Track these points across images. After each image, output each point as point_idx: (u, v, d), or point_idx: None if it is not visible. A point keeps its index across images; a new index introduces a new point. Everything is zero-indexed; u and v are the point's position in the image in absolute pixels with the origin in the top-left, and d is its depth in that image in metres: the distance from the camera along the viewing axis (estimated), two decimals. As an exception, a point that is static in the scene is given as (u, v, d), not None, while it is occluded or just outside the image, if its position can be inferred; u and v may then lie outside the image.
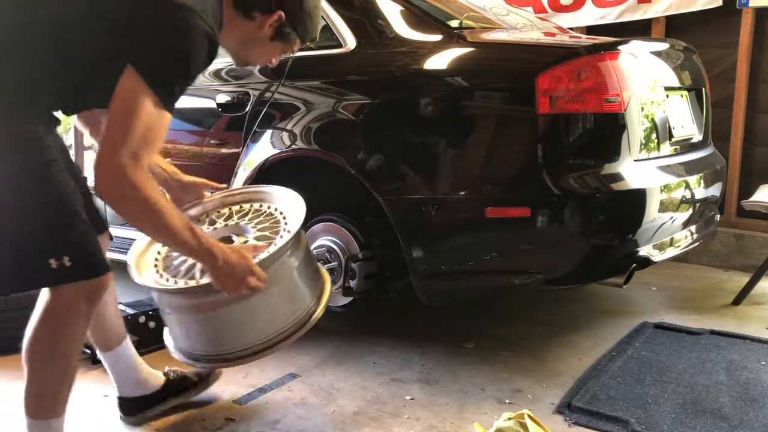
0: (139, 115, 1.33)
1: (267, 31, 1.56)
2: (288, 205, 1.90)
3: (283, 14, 1.54)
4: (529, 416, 1.66)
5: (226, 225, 1.90)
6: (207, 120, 2.64)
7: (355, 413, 1.95)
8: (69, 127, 2.85)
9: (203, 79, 2.73)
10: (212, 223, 1.91)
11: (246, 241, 1.80)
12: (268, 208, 1.94)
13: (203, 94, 2.69)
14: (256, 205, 1.97)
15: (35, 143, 1.40)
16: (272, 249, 1.68)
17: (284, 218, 1.87)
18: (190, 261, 1.69)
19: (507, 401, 2.01)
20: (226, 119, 2.56)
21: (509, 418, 1.67)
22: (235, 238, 1.86)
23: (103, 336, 1.82)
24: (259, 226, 1.86)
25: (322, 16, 2.45)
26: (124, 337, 1.88)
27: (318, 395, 2.07)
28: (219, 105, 2.57)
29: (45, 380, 1.51)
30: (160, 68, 1.36)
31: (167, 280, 1.69)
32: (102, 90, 1.41)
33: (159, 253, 1.82)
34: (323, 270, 1.98)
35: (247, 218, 1.93)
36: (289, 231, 1.76)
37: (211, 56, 1.44)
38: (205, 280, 1.60)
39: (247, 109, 2.49)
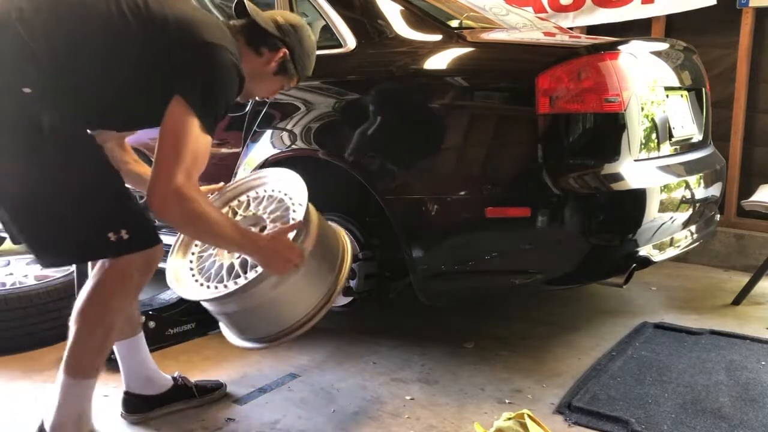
0: (188, 139, 1.49)
1: (272, 67, 1.76)
2: (284, 182, 1.98)
3: (287, 51, 1.76)
4: (529, 416, 1.66)
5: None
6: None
7: (355, 413, 1.95)
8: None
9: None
10: None
11: (264, 227, 1.88)
12: (264, 192, 2.00)
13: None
14: (252, 194, 2.02)
15: (90, 135, 1.59)
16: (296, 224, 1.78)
17: (287, 196, 1.94)
18: (225, 261, 1.83)
19: (507, 401, 2.01)
20: (226, 119, 2.56)
21: (509, 418, 1.68)
22: (253, 229, 1.91)
23: (123, 322, 1.82)
24: (268, 211, 1.93)
25: (322, 16, 2.47)
26: (140, 329, 1.92)
27: (318, 395, 2.07)
28: (219, 105, 2.57)
29: (89, 343, 1.61)
30: (204, 99, 1.52)
31: (215, 287, 1.80)
32: (126, 114, 1.65)
33: (191, 262, 1.92)
34: (340, 232, 2.04)
35: (251, 208, 1.98)
36: (301, 204, 1.85)
37: (240, 89, 1.63)
38: (252, 274, 1.74)
39: (247, 109, 2.49)
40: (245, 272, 1.77)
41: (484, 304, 2.89)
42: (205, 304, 1.86)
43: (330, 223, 2.06)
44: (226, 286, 1.78)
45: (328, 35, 2.47)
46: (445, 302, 2.53)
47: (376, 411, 1.96)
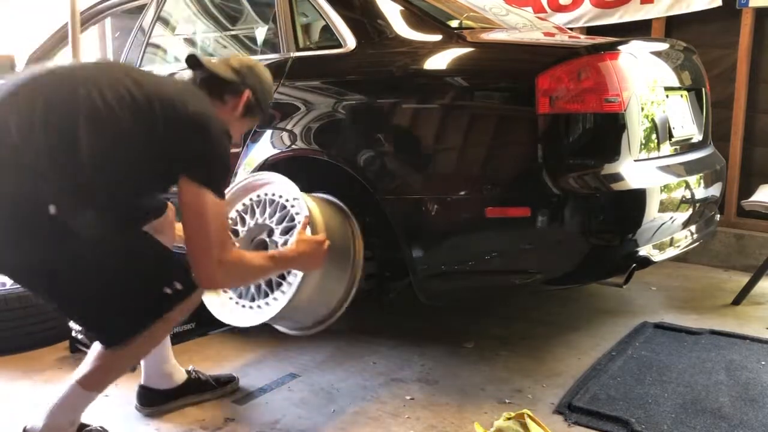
0: (209, 215, 1.57)
1: (239, 111, 1.84)
2: (267, 187, 2.07)
3: (251, 93, 1.84)
4: (529, 416, 1.67)
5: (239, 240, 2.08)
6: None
7: (355, 413, 1.95)
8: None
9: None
10: None
11: (272, 230, 2.01)
12: (250, 200, 2.08)
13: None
14: (240, 207, 2.09)
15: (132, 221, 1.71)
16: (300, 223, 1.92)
17: (275, 195, 2.03)
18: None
19: (507, 401, 2.01)
20: (226, 119, 2.56)
21: (509, 418, 1.68)
22: (266, 239, 2.04)
23: None
24: (266, 216, 2.02)
25: (322, 16, 2.47)
26: None
27: (318, 395, 2.07)
28: (219, 105, 2.57)
29: (116, 368, 1.70)
30: (208, 171, 1.59)
31: (266, 304, 1.94)
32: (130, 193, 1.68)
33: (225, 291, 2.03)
34: (336, 206, 2.16)
35: (247, 220, 2.05)
36: (296, 198, 1.98)
37: (230, 143, 1.69)
38: (292, 278, 1.90)
39: (247, 109, 2.49)
40: (284, 278, 1.91)
41: (484, 304, 2.89)
42: (267, 321, 1.97)
43: (319, 196, 2.14)
44: (275, 299, 1.93)
45: (328, 35, 2.47)
46: (445, 302, 2.53)
47: (376, 411, 1.96)
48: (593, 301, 2.95)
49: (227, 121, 1.79)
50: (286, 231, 1.98)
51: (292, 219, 1.99)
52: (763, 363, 2.23)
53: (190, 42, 3.40)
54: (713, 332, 2.51)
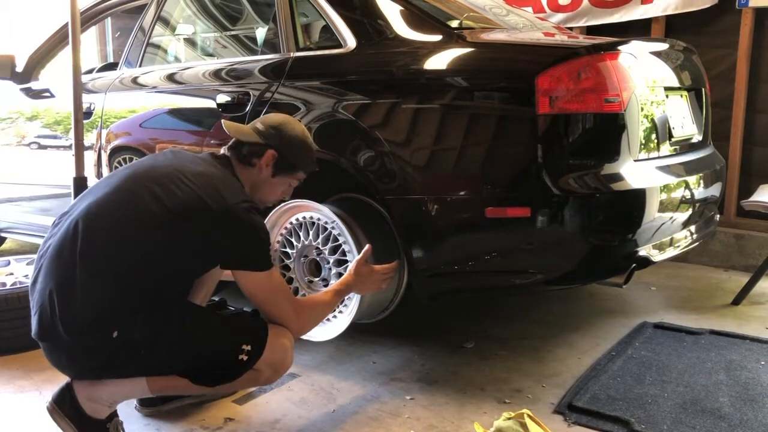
0: (271, 287, 1.75)
1: (268, 171, 1.89)
2: (306, 210, 2.24)
3: (275, 152, 1.87)
4: (529, 416, 1.67)
5: (289, 270, 2.31)
6: (207, 120, 2.64)
7: (355, 413, 1.95)
8: (69, 127, 2.85)
9: (203, 80, 2.74)
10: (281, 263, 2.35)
11: (318, 250, 2.24)
12: (291, 224, 2.29)
13: (203, 94, 2.69)
14: (284, 231, 2.31)
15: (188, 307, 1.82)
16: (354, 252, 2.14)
17: (317, 219, 2.21)
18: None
19: (507, 401, 2.01)
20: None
21: (509, 418, 1.68)
22: (317, 258, 2.27)
23: None
24: (311, 237, 2.24)
25: (322, 16, 2.47)
26: None
27: (318, 395, 2.07)
28: (219, 105, 2.57)
29: (187, 391, 1.81)
30: (255, 256, 1.72)
31: (334, 317, 2.19)
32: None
33: None
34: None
35: (294, 242, 2.29)
36: (334, 220, 2.17)
37: (259, 213, 1.77)
38: (353, 298, 2.15)
39: (247, 109, 2.49)
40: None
41: (483, 304, 2.89)
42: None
43: (352, 198, 2.34)
44: (341, 312, 2.18)
45: (328, 35, 2.47)
46: (445, 302, 2.52)
47: (376, 411, 1.96)
48: (593, 301, 2.95)
49: (259, 182, 1.89)
50: (334, 251, 2.20)
51: (336, 240, 2.18)
52: (762, 363, 2.23)
53: (191, 42, 3.40)
54: (713, 332, 2.51)
